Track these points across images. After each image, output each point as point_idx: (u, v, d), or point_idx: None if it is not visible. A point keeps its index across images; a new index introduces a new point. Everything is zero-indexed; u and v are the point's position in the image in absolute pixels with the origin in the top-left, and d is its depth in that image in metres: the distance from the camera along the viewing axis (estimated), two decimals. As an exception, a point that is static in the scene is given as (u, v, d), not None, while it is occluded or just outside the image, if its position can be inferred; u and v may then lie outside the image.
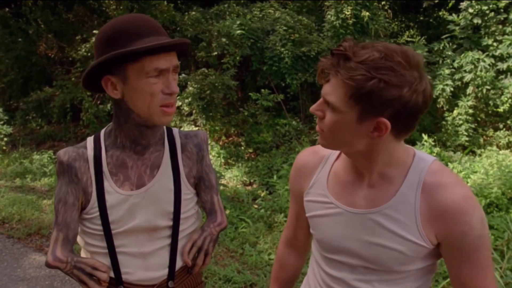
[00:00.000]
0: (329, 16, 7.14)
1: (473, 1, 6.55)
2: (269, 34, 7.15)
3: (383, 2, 7.82)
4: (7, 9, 9.22)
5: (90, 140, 1.27)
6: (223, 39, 6.72)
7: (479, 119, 6.75)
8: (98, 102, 7.71)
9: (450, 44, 6.89)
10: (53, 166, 6.61)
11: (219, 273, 3.38)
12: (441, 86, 6.43)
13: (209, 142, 7.13)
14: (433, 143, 5.82)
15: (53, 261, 1.19)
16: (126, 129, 1.22)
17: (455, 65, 6.61)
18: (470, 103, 6.40)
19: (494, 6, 6.53)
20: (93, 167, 1.23)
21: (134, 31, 1.11)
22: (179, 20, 7.47)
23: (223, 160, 6.67)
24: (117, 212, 1.23)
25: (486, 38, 6.62)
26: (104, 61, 1.10)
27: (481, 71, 6.29)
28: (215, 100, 6.58)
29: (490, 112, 6.81)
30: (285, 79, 6.87)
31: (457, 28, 6.77)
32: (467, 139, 6.34)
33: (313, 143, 6.28)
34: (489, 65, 6.34)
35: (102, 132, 1.28)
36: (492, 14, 6.55)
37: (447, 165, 5.20)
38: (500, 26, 6.64)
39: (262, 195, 5.24)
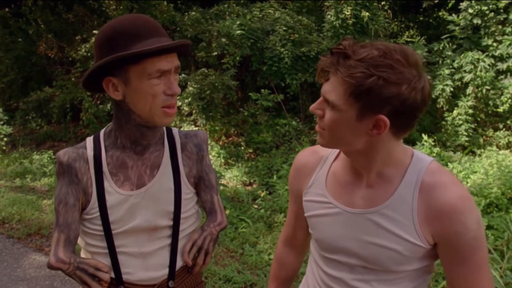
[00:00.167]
0: (329, 16, 7.15)
1: (473, 1, 6.55)
2: (269, 34, 7.15)
3: (383, 2, 7.83)
4: (7, 9, 9.22)
5: (89, 141, 1.27)
6: (223, 39, 6.72)
7: (479, 119, 6.75)
8: (98, 102, 7.71)
9: (450, 44, 6.89)
10: (53, 166, 6.60)
11: (219, 273, 3.38)
12: (441, 86, 6.43)
13: (209, 142, 7.14)
14: (433, 143, 5.83)
15: (55, 262, 1.18)
16: (126, 129, 1.21)
17: (455, 65, 6.61)
18: (470, 103, 6.41)
19: (494, 6, 6.53)
20: (93, 168, 1.23)
21: (135, 33, 1.11)
22: (179, 20, 7.47)
23: (223, 160, 6.67)
24: (117, 212, 1.23)
25: (486, 38, 6.63)
26: (105, 63, 1.10)
27: (481, 71, 6.29)
28: (215, 100, 6.58)
29: (490, 112, 6.82)
30: (285, 79, 6.88)
31: (457, 28, 6.77)
32: (467, 139, 6.34)
33: (313, 143, 6.28)
34: (489, 65, 6.34)
35: (102, 132, 1.28)
36: (492, 14, 6.55)
37: (447, 165, 5.20)
38: (500, 26, 6.64)
39: (262, 195, 5.24)
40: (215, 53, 6.83)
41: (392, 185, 1.01)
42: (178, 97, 6.72)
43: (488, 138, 6.68)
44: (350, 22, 6.92)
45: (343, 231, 1.06)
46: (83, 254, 1.33)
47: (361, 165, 1.04)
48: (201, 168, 1.35)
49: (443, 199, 0.96)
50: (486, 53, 6.50)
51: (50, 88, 8.14)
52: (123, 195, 1.23)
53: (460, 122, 6.38)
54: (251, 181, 6.06)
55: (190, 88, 6.64)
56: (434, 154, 5.48)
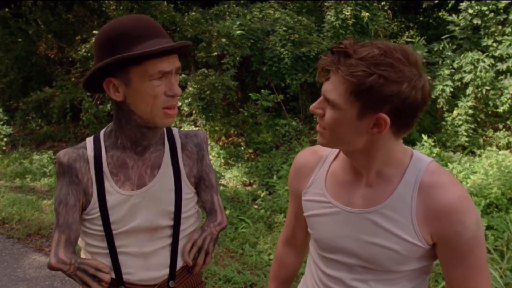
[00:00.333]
0: (329, 17, 7.15)
1: (473, 2, 6.55)
2: (269, 35, 7.15)
3: (382, 3, 7.83)
4: (7, 9, 9.22)
5: (89, 141, 1.27)
6: (223, 40, 6.72)
7: (478, 119, 6.75)
8: (98, 102, 7.71)
9: (450, 44, 6.89)
10: (53, 167, 6.60)
11: (219, 273, 3.38)
12: (440, 87, 6.43)
13: (209, 142, 7.14)
14: (432, 144, 5.83)
15: (56, 263, 1.18)
16: (127, 130, 1.22)
17: (455, 65, 6.61)
18: (469, 103, 6.41)
19: (493, 6, 6.53)
20: (93, 168, 1.23)
21: (136, 34, 1.11)
22: (179, 21, 7.47)
23: (223, 161, 6.67)
24: (118, 212, 1.23)
25: (485, 38, 6.62)
26: (107, 64, 1.10)
27: (480, 71, 6.29)
28: (215, 101, 6.58)
29: (489, 112, 6.81)
30: (285, 79, 6.88)
31: (456, 28, 6.77)
32: (466, 139, 6.34)
33: (313, 143, 6.28)
34: (488, 65, 6.34)
35: (102, 132, 1.28)
36: (491, 14, 6.55)
37: (446, 165, 5.20)
38: (500, 27, 6.64)
39: (262, 195, 5.24)
40: (215, 53, 6.83)
41: (391, 185, 1.02)
42: (178, 98, 6.71)
43: (488, 139, 6.68)
44: (350, 22, 6.92)
45: (342, 230, 1.07)
46: (83, 255, 1.33)
47: (360, 164, 1.04)
48: (201, 168, 1.35)
49: (442, 199, 0.96)
50: (486, 54, 6.49)
51: (50, 88, 8.14)
52: (124, 195, 1.23)
53: (460, 122, 6.38)
54: (251, 181, 6.06)
55: (190, 89, 6.64)
56: (434, 155, 5.48)
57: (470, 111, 6.40)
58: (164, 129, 1.31)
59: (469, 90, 6.47)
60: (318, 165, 1.16)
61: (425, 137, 5.74)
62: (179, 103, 6.74)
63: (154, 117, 1.17)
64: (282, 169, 5.59)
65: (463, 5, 6.70)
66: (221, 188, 5.26)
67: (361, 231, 1.04)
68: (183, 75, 6.88)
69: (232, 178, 6.17)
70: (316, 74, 1.02)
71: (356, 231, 1.04)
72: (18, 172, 6.50)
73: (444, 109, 6.70)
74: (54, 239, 1.22)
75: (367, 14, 6.91)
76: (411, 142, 5.99)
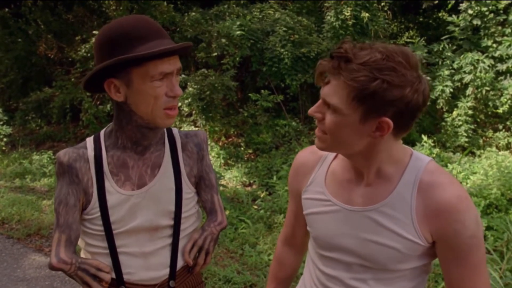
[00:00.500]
0: (328, 17, 7.15)
1: (473, 2, 6.56)
2: (268, 35, 7.15)
3: (382, 3, 7.82)
4: (6, 9, 9.22)
5: (90, 141, 1.27)
6: (223, 40, 6.72)
7: (478, 120, 6.75)
8: (98, 102, 7.71)
9: (450, 45, 6.89)
10: (52, 167, 6.60)
11: (219, 273, 3.38)
12: (440, 87, 6.44)
13: (208, 142, 7.13)
14: (432, 144, 5.83)
15: (57, 263, 1.18)
16: (128, 130, 1.22)
17: (455, 66, 6.61)
18: (469, 104, 6.41)
19: (493, 7, 6.54)
20: (93, 167, 1.23)
21: (138, 35, 1.11)
22: (179, 21, 7.47)
23: (222, 161, 6.67)
24: (118, 212, 1.23)
25: (485, 39, 6.63)
26: (108, 65, 1.11)
27: (480, 72, 6.29)
28: (215, 101, 6.58)
29: (489, 113, 6.82)
30: (284, 80, 6.88)
31: (456, 29, 6.77)
32: (466, 140, 6.34)
33: (312, 143, 6.24)
34: (488, 66, 6.35)
35: (102, 132, 1.28)
36: (491, 15, 6.55)
37: (446, 166, 5.20)
38: (500, 27, 6.64)
39: (261, 195, 5.24)
40: (215, 53, 6.83)
41: (391, 184, 1.02)
42: (178, 98, 6.70)
43: (487, 139, 6.68)
44: (350, 23, 6.92)
45: (341, 228, 1.07)
46: (83, 255, 1.33)
47: (360, 165, 1.04)
48: (202, 168, 1.35)
49: (442, 198, 0.96)
50: (486, 54, 6.50)
51: (50, 89, 8.14)
52: (124, 195, 1.23)
53: (460, 123, 6.39)
54: (251, 181, 6.06)
55: (190, 89, 6.64)
56: (434, 155, 5.49)
57: (470, 112, 6.41)
58: (164, 129, 1.31)
59: (469, 91, 6.47)
60: (318, 164, 1.16)
61: (425, 138, 5.74)
62: (179, 104, 6.73)
63: (155, 118, 1.17)
64: (282, 170, 5.59)
65: (463, 5, 6.70)
66: (221, 188, 5.26)
67: (360, 229, 1.04)
68: (183, 76, 6.87)
69: (232, 178, 6.17)
70: (314, 80, 1.01)
71: (356, 229, 1.05)
72: (18, 172, 6.50)
73: (444, 110, 6.71)
74: (54, 239, 1.22)
75: (367, 14, 6.91)
76: (411, 142, 5.99)
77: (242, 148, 6.94)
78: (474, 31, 6.81)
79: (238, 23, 6.88)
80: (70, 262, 1.18)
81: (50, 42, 8.42)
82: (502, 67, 6.40)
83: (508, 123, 6.60)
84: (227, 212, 4.54)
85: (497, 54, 6.46)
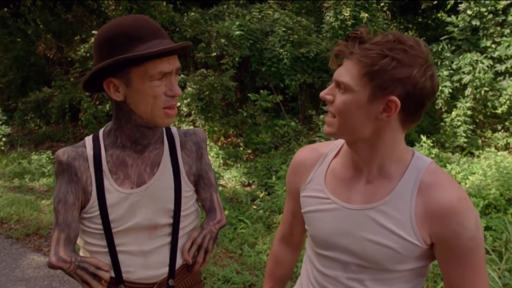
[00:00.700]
0: (328, 17, 7.15)
1: (472, 3, 6.57)
2: (268, 35, 7.16)
3: (381, 4, 7.83)
4: (5, 9, 9.21)
5: (89, 139, 1.27)
6: (222, 40, 6.72)
7: (477, 120, 6.76)
8: (97, 102, 7.70)
9: (449, 45, 6.90)
10: (51, 167, 6.59)
11: (218, 273, 3.38)
12: (439, 88, 6.44)
13: (208, 143, 7.13)
14: (431, 144, 5.84)
15: (56, 262, 1.18)
16: (127, 130, 1.22)
17: (454, 66, 6.62)
18: (468, 104, 6.42)
19: (492, 8, 6.54)
20: (92, 166, 1.23)
21: (137, 35, 1.11)
22: (178, 21, 7.47)
23: (222, 161, 6.67)
24: (118, 210, 1.23)
25: (484, 39, 6.64)
26: (108, 65, 1.11)
27: (479, 72, 6.30)
28: (214, 101, 6.59)
29: (488, 113, 6.83)
30: (284, 80, 6.88)
31: (455, 29, 6.78)
32: (465, 140, 6.35)
33: (311, 143, 6.29)
34: (487, 66, 6.35)
35: (101, 131, 1.29)
36: (490, 16, 6.56)
37: (445, 166, 5.21)
38: (499, 28, 6.65)
39: (261, 195, 5.24)
40: (214, 53, 6.84)
41: (392, 182, 1.02)
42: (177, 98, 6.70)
43: (486, 140, 6.69)
44: (349, 23, 6.93)
45: (340, 227, 1.07)
46: (82, 254, 1.33)
47: (363, 157, 1.04)
48: (201, 167, 1.35)
49: (442, 199, 0.96)
50: (485, 55, 6.51)
51: (49, 88, 8.13)
52: (124, 194, 1.24)
53: (459, 123, 6.39)
54: (250, 181, 6.06)
55: (189, 89, 6.64)
56: (433, 155, 5.49)
57: (469, 112, 6.41)
58: (163, 128, 1.32)
59: (468, 91, 6.48)
60: (318, 162, 1.16)
61: (424, 138, 5.75)
62: (178, 104, 6.74)
63: (155, 117, 1.17)
64: (281, 170, 5.59)
65: (462, 6, 6.71)
66: (220, 188, 5.26)
67: (359, 228, 1.04)
68: (182, 76, 6.87)
69: (231, 178, 6.17)
70: (329, 63, 1.04)
71: (354, 228, 1.04)
72: (17, 172, 6.49)
73: (443, 110, 6.71)
74: (53, 237, 1.22)
75: (366, 15, 6.92)
76: (410, 143, 6.00)
77: (241, 148, 6.94)
78: (473, 32, 6.82)
79: (237, 23, 6.88)
80: (69, 260, 1.19)
81: (49, 42, 8.42)
82: (501, 67, 6.41)
83: (507, 123, 6.61)
84: (226, 212, 4.54)
85: (496, 54, 6.47)
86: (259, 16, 7.61)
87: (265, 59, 6.95)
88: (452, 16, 6.79)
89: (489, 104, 6.55)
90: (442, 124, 6.62)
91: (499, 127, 6.75)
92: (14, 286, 3.41)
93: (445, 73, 6.55)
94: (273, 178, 5.54)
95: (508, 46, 6.34)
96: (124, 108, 1.19)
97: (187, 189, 1.31)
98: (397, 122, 0.98)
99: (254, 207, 4.84)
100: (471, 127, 6.46)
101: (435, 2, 7.92)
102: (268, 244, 3.90)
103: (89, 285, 1.19)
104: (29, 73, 9.28)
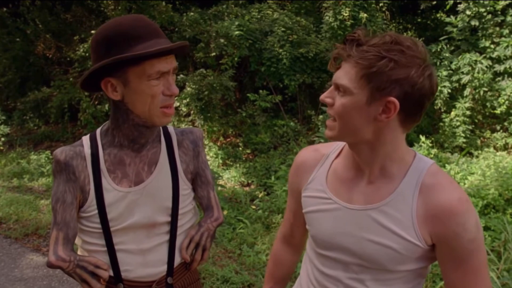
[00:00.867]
0: (327, 18, 7.15)
1: (471, 3, 6.57)
2: (267, 35, 7.16)
3: (381, 4, 7.84)
4: (4, 9, 9.21)
5: (86, 139, 1.27)
6: (222, 40, 6.72)
7: (476, 120, 6.76)
8: (96, 102, 7.70)
9: (448, 45, 6.91)
10: (50, 166, 6.59)
11: (217, 273, 3.38)
12: (438, 88, 6.44)
13: (207, 143, 7.14)
14: (430, 145, 5.84)
15: (56, 261, 1.18)
16: (124, 129, 1.22)
17: (453, 66, 6.62)
18: (467, 104, 6.42)
19: (491, 8, 6.55)
20: (90, 165, 1.23)
21: (135, 34, 1.12)
22: (177, 21, 7.47)
23: (221, 161, 6.67)
24: (116, 209, 1.23)
25: (483, 40, 6.64)
26: (106, 65, 1.11)
27: (478, 73, 6.31)
28: (213, 101, 6.58)
29: (487, 113, 6.83)
30: (283, 80, 6.88)
31: (454, 30, 6.79)
32: (464, 140, 6.35)
33: (310, 144, 6.27)
34: (486, 67, 6.36)
35: (98, 131, 1.29)
36: (489, 16, 6.57)
37: (444, 166, 5.21)
38: (498, 28, 6.66)
39: (260, 196, 5.24)
40: (214, 53, 6.84)
41: (393, 183, 1.02)
42: (176, 98, 6.71)
43: (485, 140, 6.70)
44: (348, 23, 6.93)
45: (341, 227, 1.07)
46: (80, 253, 1.32)
47: (364, 158, 1.04)
48: (198, 165, 1.36)
49: (443, 200, 0.96)
50: (484, 55, 6.51)
51: (48, 88, 8.13)
52: (122, 192, 1.24)
53: (458, 123, 6.40)
54: (249, 181, 6.06)
55: (188, 89, 6.64)
56: (432, 155, 5.50)
57: (468, 112, 6.42)
58: (160, 126, 1.32)
59: (467, 91, 6.49)
60: (320, 162, 1.16)
61: (423, 138, 5.75)
62: (177, 104, 6.74)
63: (152, 116, 1.18)
64: (280, 170, 5.59)
65: (461, 6, 6.71)
66: (219, 188, 5.26)
67: (360, 228, 1.04)
68: (181, 76, 6.87)
69: (230, 178, 6.17)
70: (328, 66, 1.04)
71: (355, 228, 1.05)
72: (16, 172, 6.49)
73: (442, 110, 6.72)
74: (52, 237, 1.22)
75: (365, 15, 6.92)
76: (409, 143, 6.00)
77: (240, 148, 6.94)
78: (472, 32, 6.82)
79: (236, 23, 6.88)
80: (68, 259, 1.19)
81: (48, 42, 8.42)
82: (499, 68, 6.42)
83: (505, 123, 6.62)
84: (225, 212, 4.54)
85: (494, 55, 6.47)
86: (258, 16, 7.61)
87: (264, 59, 6.95)
88: (451, 17, 6.80)
89: (488, 104, 6.55)
90: (441, 124, 6.62)
91: (498, 127, 6.75)
92: (13, 286, 3.41)
93: (444, 73, 6.56)
94: (272, 178, 5.54)
95: (507, 46, 6.35)
96: (122, 107, 1.19)
97: (185, 187, 1.32)
98: (396, 123, 0.98)
99: (253, 207, 4.84)
100: (470, 127, 6.47)
101: (434, 2, 7.92)
102: (267, 244, 3.90)
103: (88, 284, 1.19)
104: (28, 73, 9.28)
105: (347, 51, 0.96)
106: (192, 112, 6.99)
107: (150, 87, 1.14)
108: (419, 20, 9.42)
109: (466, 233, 0.95)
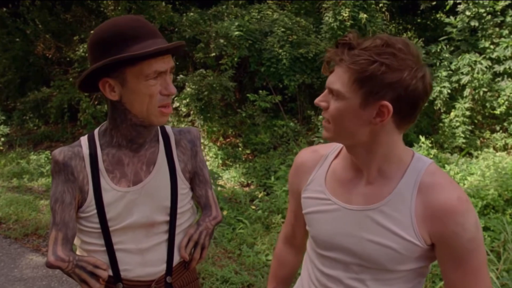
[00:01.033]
0: (327, 18, 7.15)
1: (470, 4, 6.58)
2: (267, 36, 7.16)
3: (380, 4, 7.84)
4: (4, 9, 9.21)
5: (84, 139, 1.28)
6: (221, 40, 6.72)
7: (476, 121, 6.76)
8: (96, 102, 7.71)
9: (448, 46, 6.91)
10: (50, 167, 6.58)
11: (216, 273, 3.38)
12: (438, 88, 6.45)
13: (206, 143, 7.13)
14: (430, 145, 5.84)
15: (55, 261, 1.19)
16: (122, 129, 1.23)
17: (452, 67, 6.62)
18: (467, 105, 6.42)
19: (491, 9, 6.55)
20: (89, 165, 1.24)
21: (132, 35, 1.12)
22: (177, 21, 7.46)
23: (220, 161, 6.67)
24: (115, 209, 1.24)
25: (483, 40, 6.65)
26: (104, 65, 1.11)
27: (478, 73, 6.31)
28: (213, 101, 6.58)
29: (487, 114, 6.83)
30: (283, 80, 6.88)
31: (454, 30, 6.79)
32: (464, 141, 6.35)
33: (310, 144, 6.29)
34: (486, 67, 6.36)
35: (96, 131, 1.30)
36: (489, 17, 6.57)
37: (444, 167, 5.22)
38: (497, 29, 6.66)
39: (259, 196, 5.24)
40: (213, 54, 6.84)
41: (392, 183, 1.02)
42: (176, 98, 6.73)
43: (485, 140, 6.70)
44: (348, 23, 6.93)
45: (340, 227, 1.07)
46: (79, 253, 1.33)
47: (362, 160, 1.04)
48: (196, 164, 1.37)
49: (442, 199, 0.96)
50: (483, 55, 6.51)
51: (48, 88, 8.13)
52: (120, 192, 1.24)
53: (457, 124, 6.40)
54: (249, 182, 6.06)
55: (188, 89, 6.64)
56: (432, 156, 5.50)
57: (467, 113, 6.42)
58: (158, 126, 1.32)
59: (467, 92, 6.49)
60: (319, 163, 1.17)
61: (422, 139, 5.75)
62: (177, 104, 6.74)
63: (150, 116, 1.19)
64: (279, 170, 5.59)
65: (460, 7, 6.71)
66: (219, 188, 5.26)
67: (359, 229, 1.04)
68: (181, 76, 6.88)
69: (229, 178, 6.17)
70: (321, 70, 1.04)
71: (355, 229, 1.05)
72: (15, 172, 6.49)
73: (442, 111, 6.72)
74: (51, 237, 1.22)
75: (365, 15, 6.92)
76: (408, 143, 6.00)
77: (240, 149, 6.94)
78: (472, 33, 6.82)
79: (236, 23, 6.88)
80: (67, 259, 1.19)
81: (48, 42, 8.42)
82: (499, 68, 6.42)
83: (505, 124, 6.62)
84: (225, 213, 4.54)
85: (494, 55, 6.47)
86: (258, 17, 7.61)
87: (264, 59, 6.95)
88: (451, 17, 6.80)
89: (487, 104, 6.55)
90: (441, 124, 6.62)
91: (498, 128, 6.76)
92: (13, 286, 3.41)
93: (444, 73, 6.56)
94: (272, 178, 5.54)
95: (507, 47, 6.35)
96: (120, 107, 1.20)
97: (183, 187, 1.32)
98: (392, 125, 0.98)
99: (253, 207, 4.84)
100: (469, 127, 6.47)
101: (434, 2, 7.93)
102: (266, 244, 3.90)
103: (87, 284, 1.19)
104: (28, 73, 9.28)
105: (339, 55, 0.96)
106: (191, 112, 6.99)
107: (148, 87, 1.14)
108: (418, 20, 9.43)
109: (465, 233, 0.95)
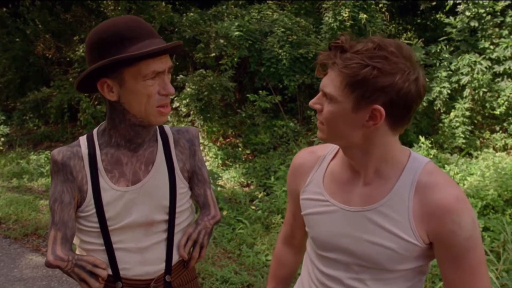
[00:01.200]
0: (326, 18, 7.15)
1: (470, 4, 6.58)
2: (267, 36, 7.16)
3: (380, 4, 7.84)
4: (4, 9, 9.21)
5: (83, 139, 1.28)
6: (221, 41, 6.73)
7: (475, 121, 6.76)
8: (96, 102, 7.71)
9: (447, 46, 6.91)
10: (50, 167, 6.59)
11: (216, 273, 3.38)
12: (438, 89, 6.45)
13: (206, 143, 7.12)
14: (430, 145, 5.84)
15: (54, 260, 1.19)
16: (121, 129, 1.23)
17: (452, 67, 6.62)
18: (467, 105, 6.42)
19: (490, 9, 6.55)
20: (88, 165, 1.24)
21: (129, 35, 1.13)
22: (177, 21, 7.47)
23: (220, 161, 6.67)
24: (114, 208, 1.24)
25: (483, 41, 6.64)
26: (102, 66, 1.12)
27: (478, 73, 6.31)
28: (213, 101, 6.59)
29: (486, 114, 6.83)
30: (282, 80, 6.88)
31: (454, 30, 6.79)
32: (463, 141, 6.35)
33: (310, 144, 6.29)
34: (486, 67, 6.36)
35: (95, 131, 1.30)
36: (489, 17, 6.57)
37: (444, 167, 5.22)
38: (497, 29, 6.66)
39: (259, 196, 5.24)
40: (213, 54, 6.84)
41: (389, 184, 1.02)
42: (175, 98, 6.73)
43: (484, 140, 6.70)
44: (348, 24, 6.93)
45: (339, 228, 1.07)
46: (78, 252, 1.33)
47: (358, 162, 1.05)
48: (194, 163, 1.37)
49: (439, 198, 0.97)
50: (483, 56, 6.51)
51: (48, 88, 8.14)
52: (119, 191, 1.24)
53: (457, 124, 6.40)
54: (249, 182, 6.06)
55: (188, 89, 6.64)
56: (431, 156, 5.50)
57: (467, 113, 6.42)
58: (157, 126, 1.33)
59: (466, 92, 6.49)
60: (316, 164, 1.17)
61: (422, 139, 5.76)
62: (177, 104, 6.74)
63: (149, 116, 1.19)
64: (279, 170, 5.59)
65: (460, 7, 6.71)
66: (219, 189, 5.26)
67: (358, 230, 1.04)
68: (181, 76, 6.88)
69: (229, 179, 6.17)
70: (315, 72, 1.05)
71: (353, 230, 1.05)
72: (15, 172, 6.49)
73: (441, 111, 6.72)
74: (50, 237, 1.23)
75: (365, 16, 6.92)
76: (408, 143, 6.00)
77: (240, 149, 6.94)
78: (472, 33, 6.82)
79: (236, 23, 6.88)
80: (66, 259, 1.19)
81: (48, 42, 8.42)
82: (499, 68, 6.42)
83: (505, 124, 6.62)
84: (224, 213, 4.54)
85: (494, 55, 6.47)
86: (258, 17, 7.61)
87: (264, 59, 6.96)
88: (451, 17, 6.80)
89: (487, 105, 6.55)
90: (441, 125, 6.62)
91: (497, 128, 6.75)
92: (13, 286, 3.41)
93: (444, 74, 6.56)
94: (272, 178, 5.55)
95: (506, 47, 6.35)
96: (118, 107, 1.20)
97: (182, 186, 1.33)
98: (386, 127, 0.98)
99: (253, 207, 4.84)
100: (469, 128, 6.46)
101: (434, 3, 7.93)
102: (266, 244, 3.90)
103: (87, 283, 1.19)
104: (28, 73, 9.29)
105: (332, 58, 0.96)
106: (191, 112, 6.99)
107: (146, 87, 1.15)
108: (418, 21, 9.43)
109: (461, 231, 0.95)
